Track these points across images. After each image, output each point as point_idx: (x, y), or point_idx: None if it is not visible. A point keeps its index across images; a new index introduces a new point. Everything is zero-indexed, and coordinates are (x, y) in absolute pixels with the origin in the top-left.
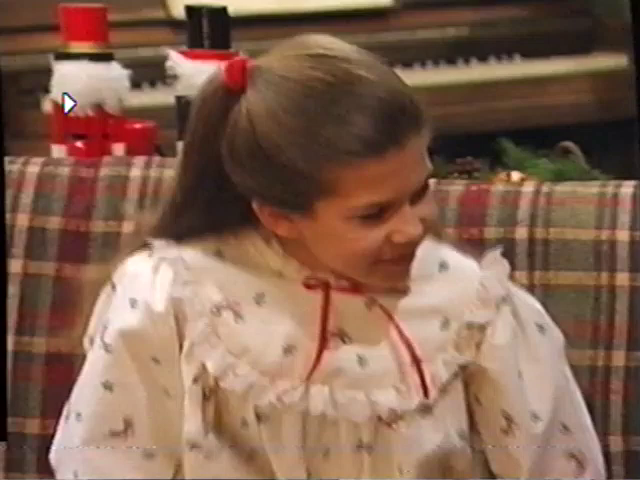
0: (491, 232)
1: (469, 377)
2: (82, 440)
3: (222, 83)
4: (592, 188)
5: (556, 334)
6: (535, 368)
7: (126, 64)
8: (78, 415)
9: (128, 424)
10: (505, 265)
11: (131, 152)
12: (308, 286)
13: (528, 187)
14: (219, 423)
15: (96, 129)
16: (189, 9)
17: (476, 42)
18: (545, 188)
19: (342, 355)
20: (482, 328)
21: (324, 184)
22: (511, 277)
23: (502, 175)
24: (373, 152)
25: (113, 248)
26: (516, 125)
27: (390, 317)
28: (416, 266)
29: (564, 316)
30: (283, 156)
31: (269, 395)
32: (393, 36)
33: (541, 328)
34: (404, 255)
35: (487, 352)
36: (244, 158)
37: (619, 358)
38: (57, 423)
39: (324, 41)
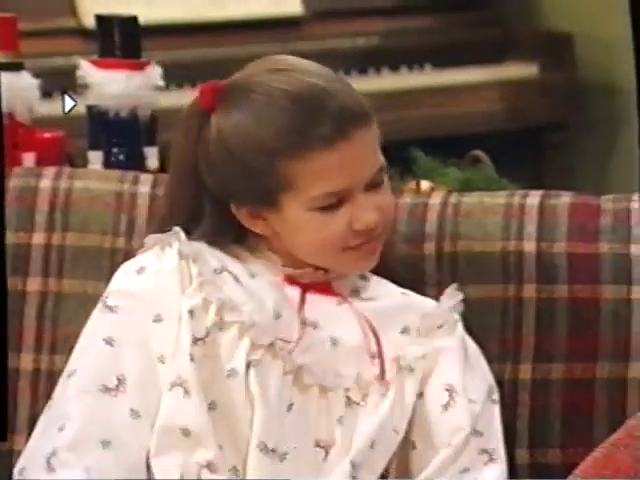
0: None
1: (425, 369)
2: (75, 391)
3: (196, 106)
4: (499, 198)
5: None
6: (473, 373)
7: (37, 73)
8: (73, 372)
9: (120, 381)
10: (459, 297)
11: (41, 161)
12: (289, 281)
13: (436, 199)
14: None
15: (6, 138)
16: (99, 18)
17: (387, 51)
18: (453, 199)
19: (316, 337)
20: (437, 329)
21: (284, 179)
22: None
23: (412, 184)
24: (323, 144)
25: (23, 259)
26: (427, 134)
27: (358, 312)
28: (379, 288)
29: (472, 330)
30: (249, 160)
31: (270, 335)
32: (304, 45)
33: (479, 355)
34: (367, 241)
35: (442, 337)
36: (218, 166)
37: (526, 371)
38: None
39: (287, 58)
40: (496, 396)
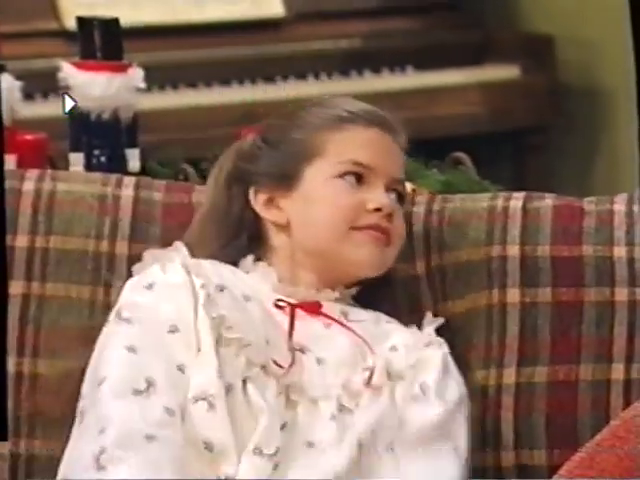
0: None
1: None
2: (108, 395)
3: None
4: (482, 202)
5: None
6: (450, 380)
7: (18, 75)
8: (103, 379)
9: (150, 383)
10: (440, 321)
11: (23, 164)
12: (278, 307)
13: (419, 207)
14: None
15: None
16: (81, 20)
17: (369, 53)
18: (436, 206)
19: (304, 360)
20: (425, 346)
21: (316, 147)
22: None
23: None
24: (363, 123)
25: (7, 262)
26: (408, 136)
27: (345, 326)
28: (366, 313)
29: (458, 338)
30: (285, 138)
31: (265, 355)
32: (286, 47)
33: (458, 373)
34: (375, 227)
35: (429, 351)
36: (250, 152)
37: (510, 375)
38: None
39: None
40: (466, 410)
